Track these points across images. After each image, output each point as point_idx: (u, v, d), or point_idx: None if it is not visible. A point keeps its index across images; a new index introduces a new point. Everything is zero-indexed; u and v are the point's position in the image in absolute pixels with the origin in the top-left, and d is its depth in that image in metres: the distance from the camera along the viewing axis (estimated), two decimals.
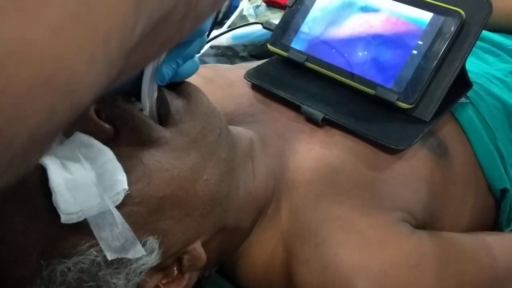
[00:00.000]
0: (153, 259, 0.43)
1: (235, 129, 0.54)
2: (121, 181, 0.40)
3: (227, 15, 1.24)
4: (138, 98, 0.45)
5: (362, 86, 0.57)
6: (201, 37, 0.44)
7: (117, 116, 0.43)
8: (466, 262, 0.49)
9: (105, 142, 0.42)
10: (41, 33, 0.14)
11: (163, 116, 0.45)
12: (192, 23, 0.23)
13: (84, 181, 0.39)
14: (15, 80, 0.14)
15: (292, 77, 0.63)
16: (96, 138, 0.41)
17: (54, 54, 0.15)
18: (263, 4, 1.12)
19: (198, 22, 0.24)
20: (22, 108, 0.15)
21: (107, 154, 0.40)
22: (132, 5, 0.17)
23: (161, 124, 0.45)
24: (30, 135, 0.15)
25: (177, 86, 0.47)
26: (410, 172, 0.54)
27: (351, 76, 0.58)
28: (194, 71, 0.47)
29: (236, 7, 1.20)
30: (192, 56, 0.46)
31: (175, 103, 0.46)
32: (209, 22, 0.45)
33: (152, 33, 0.20)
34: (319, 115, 0.57)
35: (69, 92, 0.16)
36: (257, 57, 1.07)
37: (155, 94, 0.45)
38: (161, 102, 0.45)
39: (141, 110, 0.44)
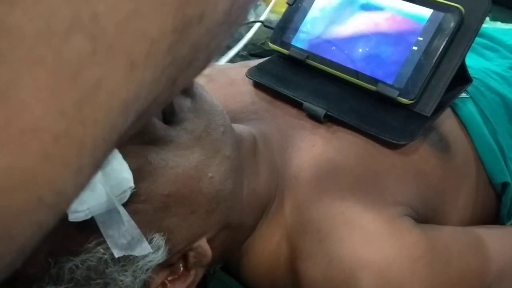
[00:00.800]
0: (159, 256, 0.43)
1: (238, 127, 0.54)
2: (127, 179, 0.40)
3: None
4: None
5: (363, 83, 0.57)
6: None
7: None
8: (468, 256, 0.50)
9: None
10: (32, 160, 0.15)
11: (167, 115, 0.46)
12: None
13: None
14: (7, 205, 0.15)
15: (294, 74, 0.63)
16: None
17: (45, 179, 0.15)
18: (263, 3, 1.12)
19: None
20: (12, 230, 0.15)
21: (113, 153, 0.41)
22: (120, 109, 0.17)
23: (165, 123, 0.45)
24: (18, 250, 0.16)
25: None
26: (412, 167, 0.54)
27: (352, 72, 0.58)
28: None
29: None
30: None
31: (179, 101, 0.46)
32: None
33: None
34: (320, 111, 0.57)
35: (57, 207, 0.17)
36: (257, 56, 1.08)
37: None
38: None
39: None
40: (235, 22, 0.21)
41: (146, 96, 0.18)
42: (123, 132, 0.18)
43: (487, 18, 1.02)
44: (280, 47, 0.64)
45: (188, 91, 0.47)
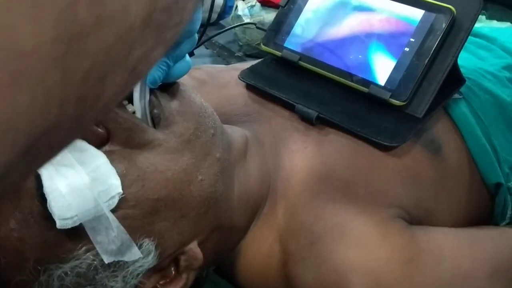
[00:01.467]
0: (150, 261, 0.43)
1: (230, 128, 0.54)
2: (116, 185, 0.40)
3: (222, 16, 1.25)
4: (131, 101, 0.45)
5: (355, 84, 0.57)
6: (190, 38, 0.45)
7: (109, 120, 0.43)
8: (461, 257, 0.49)
9: (98, 146, 0.42)
10: None
11: (156, 118, 0.46)
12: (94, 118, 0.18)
13: (79, 186, 0.39)
14: None
15: (286, 76, 0.63)
16: (89, 142, 0.42)
17: None
18: (258, 4, 1.12)
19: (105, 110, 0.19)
20: None
21: (101, 158, 0.41)
22: None
23: (154, 126, 0.45)
24: None
25: (170, 87, 0.48)
26: (404, 168, 0.54)
27: (345, 74, 0.58)
28: (186, 71, 0.47)
29: (231, 7, 1.21)
30: (183, 57, 0.46)
31: (168, 104, 0.46)
32: (198, 22, 0.45)
33: (28, 154, 0.16)
34: (313, 113, 0.57)
35: None
36: (253, 57, 1.08)
37: (147, 97, 0.45)
38: (154, 104, 0.46)
39: (134, 113, 0.45)
40: (164, 26, 0.18)
41: (28, 130, 0.15)
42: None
43: (483, 17, 1.01)
44: (273, 49, 0.64)
45: (177, 94, 0.47)
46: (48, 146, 0.16)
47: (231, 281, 0.56)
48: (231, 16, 1.18)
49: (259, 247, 0.53)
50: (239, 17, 1.12)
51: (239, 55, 1.14)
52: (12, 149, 0.15)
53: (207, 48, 1.16)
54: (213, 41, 1.16)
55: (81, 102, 0.16)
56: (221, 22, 1.27)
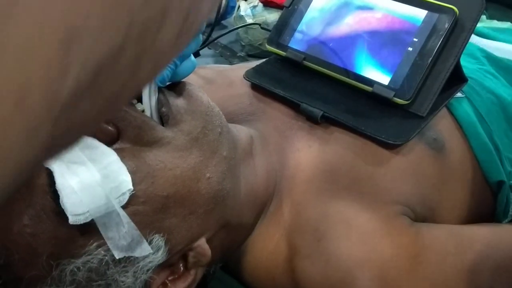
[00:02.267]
0: (159, 257, 0.44)
1: (236, 127, 0.55)
2: (126, 182, 0.41)
3: (224, 16, 1.25)
4: (139, 99, 0.46)
5: (359, 84, 0.58)
6: (196, 37, 0.46)
7: (119, 118, 0.44)
8: (464, 253, 0.50)
9: (109, 144, 0.43)
10: None
11: (165, 117, 0.46)
12: (151, 65, 0.18)
13: (90, 183, 0.40)
14: None
15: (291, 76, 0.64)
16: (100, 140, 0.42)
17: None
18: (260, 4, 1.13)
19: (160, 63, 0.18)
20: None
21: (111, 156, 0.41)
22: (58, 46, 0.13)
23: (162, 125, 0.46)
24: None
25: (177, 86, 0.49)
26: (408, 166, 0.55)
27: (348, 74, 0.59)
28: (191, 70, 0.48)
29: (233, 7, 1.21)
30: (188, 56, 0.47)
31: (176, 103, 0.47)
32: (203, 22, 0.46)
33: (94, 83, 0.15)
34: (318, 112, 0.58)
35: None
36: (255, 57, 1.09)
37: (156, 95, 0.46)
38: (162, 103, 0.46)
39: (143, 111, 0.46)
40: None
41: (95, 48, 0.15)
42: (68, 95, 0.14)
43: (484, 17, 1.02)
44: (277, 49, 0.65)
45: (184, 93, 0.48)
46: (109, 78, 0.16)
47: (237, 278, 0.57)
48: (233, 16, 1.18)
49: (266, 245, 0.54)
50: (241, 17, 1.13)
51: (242, 55, 1.14)
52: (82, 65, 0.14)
53: (209, 48, 1.16)
54: (216, 41, 1.17)
55: (144, 32, 0.16)
56: (223, 22, 1.28)
